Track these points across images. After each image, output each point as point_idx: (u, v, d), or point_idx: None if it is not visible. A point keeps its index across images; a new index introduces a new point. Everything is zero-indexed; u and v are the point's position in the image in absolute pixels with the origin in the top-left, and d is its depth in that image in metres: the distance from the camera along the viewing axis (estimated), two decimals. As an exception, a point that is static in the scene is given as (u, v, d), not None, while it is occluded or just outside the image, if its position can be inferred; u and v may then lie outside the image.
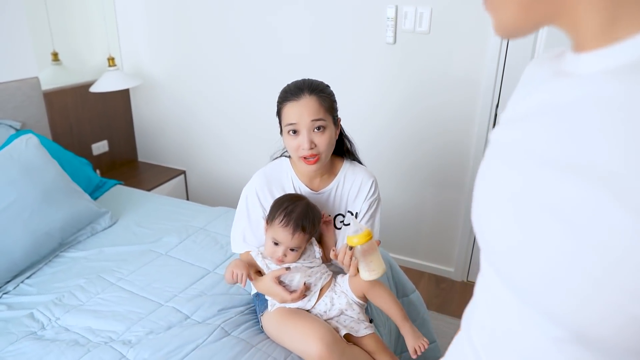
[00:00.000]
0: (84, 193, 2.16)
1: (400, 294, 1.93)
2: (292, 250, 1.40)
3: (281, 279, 1.39)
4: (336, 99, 1.45)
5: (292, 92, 1.36)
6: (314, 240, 1.50)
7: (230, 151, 3.05)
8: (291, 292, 1.37)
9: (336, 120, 1.43)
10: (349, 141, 1.55)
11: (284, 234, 1.37)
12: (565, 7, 0.40)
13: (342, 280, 1.45)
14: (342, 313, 1.42)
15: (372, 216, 1.51)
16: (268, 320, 1.45)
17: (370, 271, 1.28)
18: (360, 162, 1.56)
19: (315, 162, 1.37)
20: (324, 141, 1.35)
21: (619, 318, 0.36)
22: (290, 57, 2.62)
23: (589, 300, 0.37)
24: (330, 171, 1.49)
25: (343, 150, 1.54)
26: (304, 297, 1.41)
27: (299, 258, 1.44)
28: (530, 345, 0.45)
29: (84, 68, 2.97)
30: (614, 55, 0.38)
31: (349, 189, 1.48)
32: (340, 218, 1.51)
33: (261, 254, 1.46)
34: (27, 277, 1.82)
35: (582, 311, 0.38)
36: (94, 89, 2.79)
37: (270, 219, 1.41)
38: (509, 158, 0.47)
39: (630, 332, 0.36)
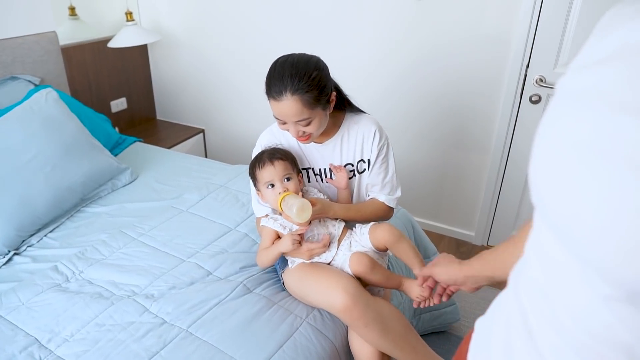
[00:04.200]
0: (104, 149, 2.15)
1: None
2: (287, 180, 1.40)
3: (305, 237, 1.39)
4: (332, 64, 1.38)
5: (274, 89, 1.28)
6: (315, 189, 1.50)
7: (249, 109, 3.01)
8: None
9: (328, 101, 1.36)
10: (347, 99, 1.51)
11: (268, 172, 1.40)
12: None
13: (360, 233, 1.43)
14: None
15: (385, 160, 1.51)
16: (290, 276, 1.45)
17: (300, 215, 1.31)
18: (362, 111, 1.54)
19: (307, 140, 1.39)
20: (312, 128, 1.35)
21: None
22: (314, 11, 2.53)
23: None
24: (332, 124, 1.48)
25: (344, 104, 1.50)
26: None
27: (300, 186, 1.44)
28: (581, 303, 0.44)
29: (101, 23, 2.91)
30: None
31: (354, 138, 1.48)
32: (350, 167, 1.50)
33: (271, 218, 1.45)
34: (51, 231, 1.84)
35: (635, 263, 0.37)
36: (112, 44, 2.74)
37: (253, 179, 1.46)
38: (579, 105, 0.43)
39: None
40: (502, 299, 0.61)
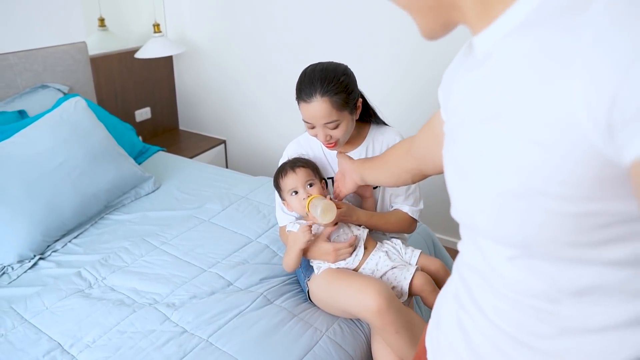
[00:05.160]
0: (129, 157, 2.19)
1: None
2: (310, 186, 1.44)
3: (332, 238, 1.43)
4: (358, 76, 1.42)
5: (305, 91, 1.34)
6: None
7: (270, 122, 3.03)
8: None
9: (355, 106, 1.40)
10: (372, 109, 1.55)
11: (290, 179, 1.44)
12: (453, 8, 0.54)
13: (404, 251, 1.47)
14: (391, 269, 1.41)
15: None
16: (317, 283, 1.44)
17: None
18: (386, 124, 1.57)
19: (334, 146, 1.42)
20: (340, 132, 1.38)
21: (534, 218, 0.48)
22: (336, 25, 2.55)
23: (511, 211, 0.50)
24: (357, 134, 1.51)
25: (369, 114, 1.54)
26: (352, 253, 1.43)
27: (324, 192, 1.47)
28: (499, 267, 0.57)
29: (129, 34, 2.98)
30: (495, 31, 0.51)
31: (379, 148, 1.51)
32: None
33: (297, 223, 1.48)
34: (75, 237, 1.86)
35: (510, 224, 0.51)
36: (139, 55, 2.80)
37: (278, 189, 1.51)
38: (458, 132, 0.61)
39: (550, 227, 0.48)
40: (448, 283, 0.74)
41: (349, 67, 1.42)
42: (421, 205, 1.56)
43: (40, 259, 1.74)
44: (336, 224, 1.43)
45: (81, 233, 1.89)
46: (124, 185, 2.07)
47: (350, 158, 1.40)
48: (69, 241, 1.84)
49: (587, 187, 0.44)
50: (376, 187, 1.54)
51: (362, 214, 1.47)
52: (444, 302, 0.73)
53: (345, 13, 2.51)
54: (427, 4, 0.55)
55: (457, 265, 0.71)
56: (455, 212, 0.63)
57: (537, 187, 0.47)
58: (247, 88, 3.03)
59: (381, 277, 1.40)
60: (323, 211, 1.31)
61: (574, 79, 0.41)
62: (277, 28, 2.75)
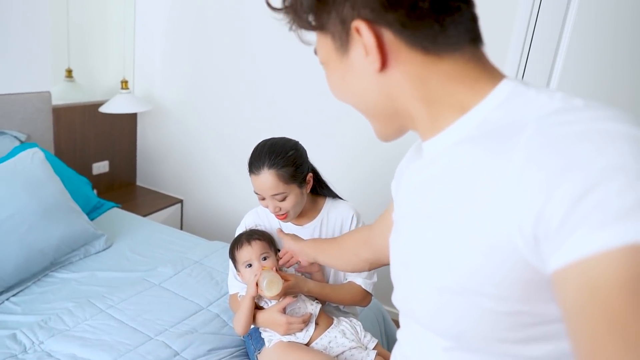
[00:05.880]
0: (83, 213, 2.13)
1: (390, 347, 1.90)
2: (264, 259, 1.45)
3: (287, 309, 1.42)
4: (316, 151, 1.49)
5: (254, 164, 1.42)
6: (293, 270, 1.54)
7: (229, 186, 3.05)
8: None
9: (304, 180, 1.46)
10: (325, 183, 1.62)
11: (246, 251, 1.46)
12: (407, 117, 0.61)
13: (367, 340, 1.46)
14: (349, 349, 1.41)
15: None
16: (267, 356, 1.42)
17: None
18: (341, 198, 1.63)
19: (285, 218, 1.47)
20: (289, 204, 1.43)
21: (470, 313, 0.52)
22: (297, 103, 2.65)
23: (450, 307, 0.54)
24: (313, 208, 1.57)
25: (322, 187, 1.61)
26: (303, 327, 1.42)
27: (279, 265, 1.48)
28: (432, 358, 0.62)
29: (95, 87, 2.99)
30: (442, 140, 0.58)
31: (333, 222, 1.56)
32: None
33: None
34: (14, 295, 1.76)
35: (448, 318, 0.55)
36: (103, 109, 2.80)
37: (233, 260, 1.52)
38: (403, 224, 0.68)
39: (483, 323, 0.52)
40: None
41: (299, 143, 1.50)
42: (375, 279, 1.59)
43: (-27, 317, 1.64)
44: (296, 296, 1.45)
45: (21, 290, 1.79)
46: (73, 242, 2.01)
47: (298, 238, 1.44)
48: (7, 299, 1.74)
49: (518, 289, 0.49)
50: None
51: (314, 285, 1.48)
52: None
53: (307, 92, 2.62)
54: (384, 113, 0.62)
55: (395, 355, 0.73)
56: (396, 299, 0.67)
57: (473, 287, 0.51)
58: (209, 150, 3.06)
59: (337, 356, 1.39)
60: (268, 284, 1.34)
61: (505, 196, 0.47)
62: (243, 98, 2.83)
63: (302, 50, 2.52)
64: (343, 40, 0.57)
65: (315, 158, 1.57)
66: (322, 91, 2.55)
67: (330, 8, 0.56)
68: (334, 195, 1.62)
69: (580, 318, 0.42)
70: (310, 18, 0.59)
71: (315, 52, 0.65)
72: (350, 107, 0.68)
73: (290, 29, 0.61)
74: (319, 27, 0.59)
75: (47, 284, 1.85)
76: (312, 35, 0.63)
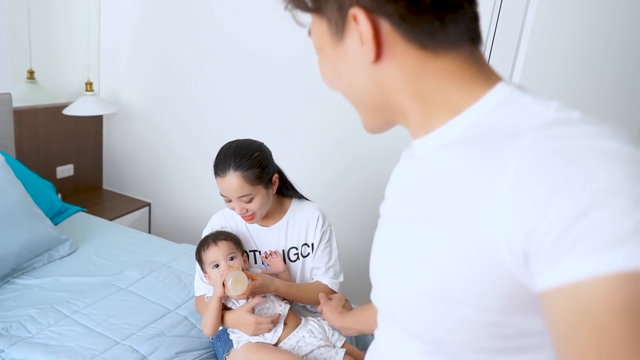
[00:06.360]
0: (46, 218, 2.09)
1: (360, 346, 1.92)
2: (231, 259, 1.46)
3: (256, 309, 1.43)
4: (283, 152, 1.51)
5: (220, 167, 1.43)
6: (260, 271, 1.55)
7: (197, 189, 3.02)
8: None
9: (270, 181, 1.48)
10: (290, 184, 1.64)
11: (212, 252, 1.46)
12: (398, 112, 0.59)
13: (335, 338, 1.47)
14: (318, 347, 1.43)
15: (328, 244, 1.61)
16: (236, 358, 1.43)
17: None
18: (306, 199, 1.66)
19: (251, 219, 1.48)
20: (255, 206, 1.45)
21: (449, 320, 0.52)
22: (265, 101, 2.65)
23: (429, 311, 0.53)
24: (279, 209, 1.59)
25: (287, 188, 1.63)
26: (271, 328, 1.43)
27: (246, 265, 1.51)
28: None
29: (59, 89, 2.92)
30: (432, 140, 0.57)
31: (299, 222, 1.58)
32: (294, 251, 1.59)
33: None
34: (-27, 302, 1.72)
35: (426, 321, 0.54)
36: (67, 111, 2.74)
37: (200, 262, 1.52)
38: (387, 221, 0.67)
39: (462, 331, 0.51)
40: None
41: (264, 144, 1.51)
42: (341, 278, 1.62)
43: None
44: (265, 296, 1.46)
45: (-19, 298, 1.75)
46: (36, 248, 1.96)
47: (342, 316, 1.29)
48: (-34, 307, 1.69)
49: (499, 301, 0.48)
50: (295, 260, 1.59)
51: (281, 284, 1.50)
52: None
53: (273, 92, 2.62)
54: (374, 104, 0.60)
55: (371, 353, 0.73)
56: (375, 298, 0.66)
57: (455, 294, 0.50)
58: (177, 152, 3.03)
59: (306, 355, 1.41)
60: (233, 283, 1.35)
61: (496, 208, 0.46)
62: (210, 99, 2.81)
63: (267, 50, 2.52)
64: (339, 26, 0.55)
65: (280, 159, 1.59)
66: (288, 91, 2.57)
67: None
68: (300, 196, 1.64)
69: (570, 341, 0.42)
70: None
71: (309, 34, 0.62)
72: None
73: (286, 8, 0.58)
74: (316, 10, 0.57)
75: (9, 291, 1.81)
76: (306, 17, 0.60)
